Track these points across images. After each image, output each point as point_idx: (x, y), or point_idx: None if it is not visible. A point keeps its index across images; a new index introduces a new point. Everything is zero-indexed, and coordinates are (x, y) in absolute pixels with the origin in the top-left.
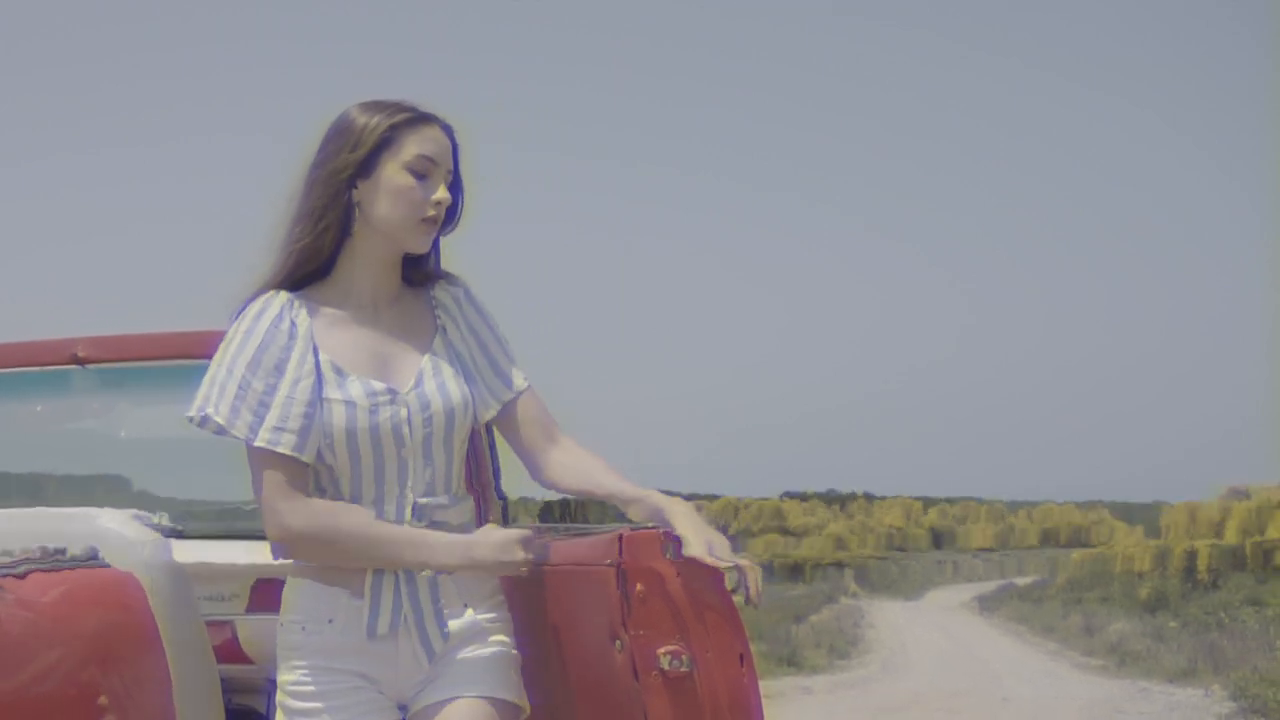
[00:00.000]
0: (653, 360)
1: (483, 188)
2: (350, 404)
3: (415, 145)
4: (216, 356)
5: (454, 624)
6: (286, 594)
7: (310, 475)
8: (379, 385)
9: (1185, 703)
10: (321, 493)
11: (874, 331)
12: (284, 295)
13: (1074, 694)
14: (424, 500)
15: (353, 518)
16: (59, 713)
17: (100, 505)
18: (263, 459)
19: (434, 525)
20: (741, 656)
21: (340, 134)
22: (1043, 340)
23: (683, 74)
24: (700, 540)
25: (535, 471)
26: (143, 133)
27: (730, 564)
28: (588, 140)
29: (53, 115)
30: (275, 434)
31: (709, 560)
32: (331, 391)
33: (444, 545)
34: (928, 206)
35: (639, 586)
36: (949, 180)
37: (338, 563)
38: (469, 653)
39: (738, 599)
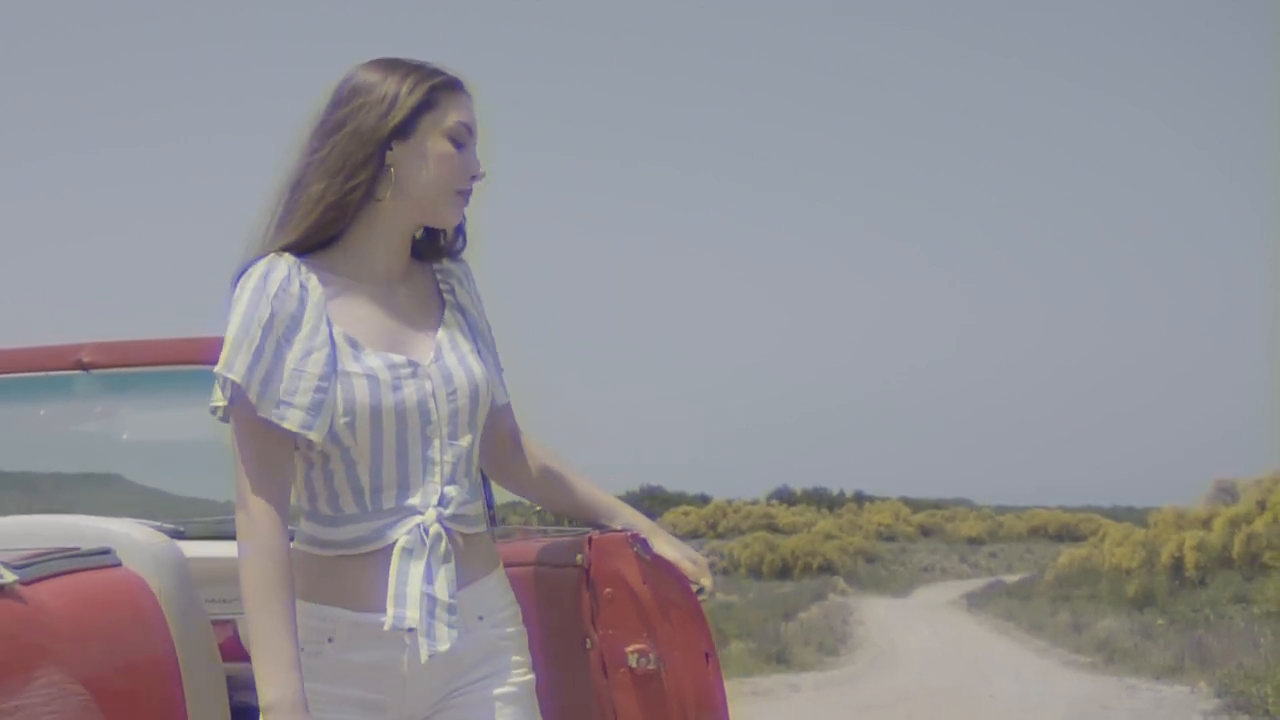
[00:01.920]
0: (646, 360)
1: (477, 185)
2: (372, 378)
3: (455, 112)
4: (229, 324)
5: (467, 637)
6: None
7: (291, 468)
8: (399, 358)
9: (1172, 699)
10: (329, 478)
11: (868, 332)
12: (289, 257)
13: (1061, 691)
14: (450, 489)
15: (275, 571)
16: (75, 712)
17: (104, 508)
18: (248, 435)
19: (458, 521)
20: (707, 655)
21: (368, 91)
22: (1040, 341)
23: (680, 73)
24: (678, 554)
25: (503, 476)
26: (142, 133)
27: (702, 588)
28: (584, 139)
29: (52, 115)
30: (282, 409)
31: (685, 566)
32: (349, 364)
33: (275, 680)
34: (926, 206)
35: (607, 588)
36: (948, 180)
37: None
38: (488, 687)
39: (703, 598)
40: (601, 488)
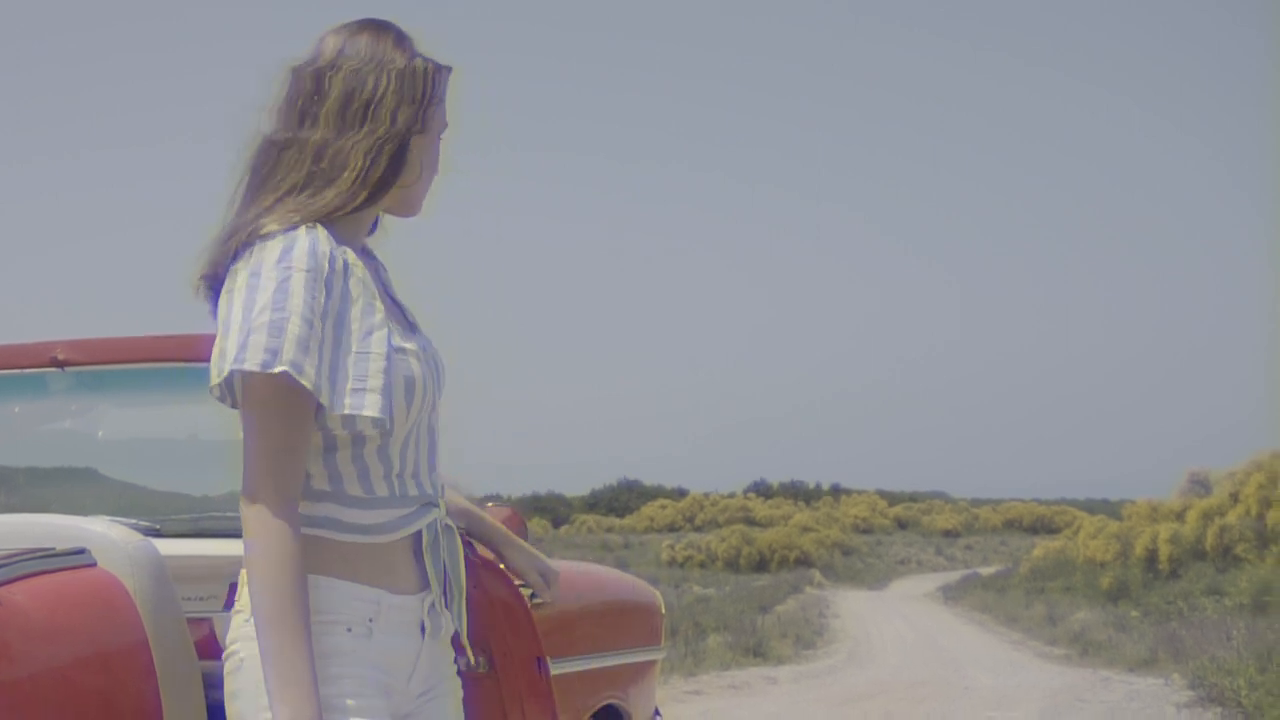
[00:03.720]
0: (624, 355)
1: (461, 182)
2: (419, 355)
3: (444, 107)
4: (272, 300)
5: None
6: (312, 592)
7: (304, 460)
8: (418, 337)
9: (1145, 691)
10: (358, 459)
11: (846, 327)
12: (323, 231)
13: (1036, 682)
14: (437, 476)
15: (292, 581)
16: (51, 712)
17: (80, 505)
18: (277, 421)
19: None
20: (539, 660)
21: (397, 72)
22: (1017, 337)
23: (664, 66)
24: (526, 563)
25: None
26: (124, 134)
27: (543, 600)
28: (567, 133)
29: (32, 118)
30: (357, 396)
31: (531, 578)
32: (400, 341)
33: (292, 700)
34: (910, 202)
35: None
36: (935, 175)
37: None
38: (447, 692)
39: (536, 602)
40: (457, 490)
